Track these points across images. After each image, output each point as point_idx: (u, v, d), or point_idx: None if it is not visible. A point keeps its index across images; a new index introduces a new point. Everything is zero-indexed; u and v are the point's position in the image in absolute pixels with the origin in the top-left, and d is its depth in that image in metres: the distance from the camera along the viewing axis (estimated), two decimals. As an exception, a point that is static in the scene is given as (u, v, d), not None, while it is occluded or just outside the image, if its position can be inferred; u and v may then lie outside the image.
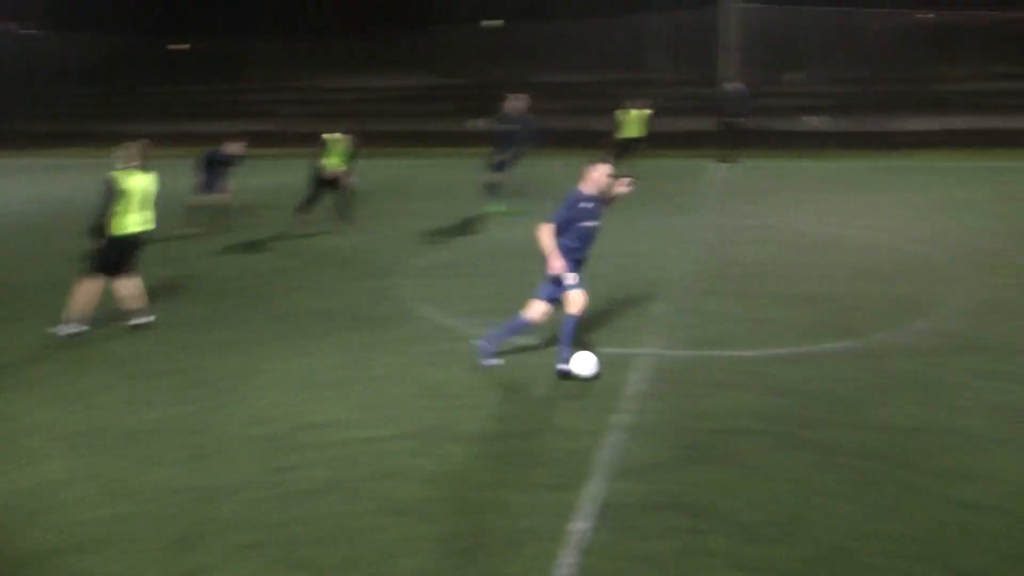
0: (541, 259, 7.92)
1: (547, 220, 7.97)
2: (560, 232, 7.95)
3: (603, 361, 7.95)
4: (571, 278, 7.96)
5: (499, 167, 16.27)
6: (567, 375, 7.91)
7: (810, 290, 10.87)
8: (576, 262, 8.02)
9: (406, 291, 11.10)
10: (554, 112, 26.21)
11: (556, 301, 8.11)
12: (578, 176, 8.10)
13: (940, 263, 12.25)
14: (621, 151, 19.95)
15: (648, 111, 20.72)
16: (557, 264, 7.88)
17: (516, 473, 6.13)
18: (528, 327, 8.25)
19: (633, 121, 20.72)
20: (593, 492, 5.78)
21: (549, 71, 33.23)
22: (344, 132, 15.14)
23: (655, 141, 21.94)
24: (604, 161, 8.22)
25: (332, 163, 14.98)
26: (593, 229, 8.10)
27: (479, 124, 23.18)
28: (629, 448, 6.47)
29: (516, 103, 16.23)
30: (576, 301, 7.95)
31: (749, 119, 24.33)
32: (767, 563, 5.03)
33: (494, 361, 8.30)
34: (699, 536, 5.29)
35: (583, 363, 7.95)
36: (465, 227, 15.40)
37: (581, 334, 8.29)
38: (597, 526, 5.38)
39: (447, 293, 10.99)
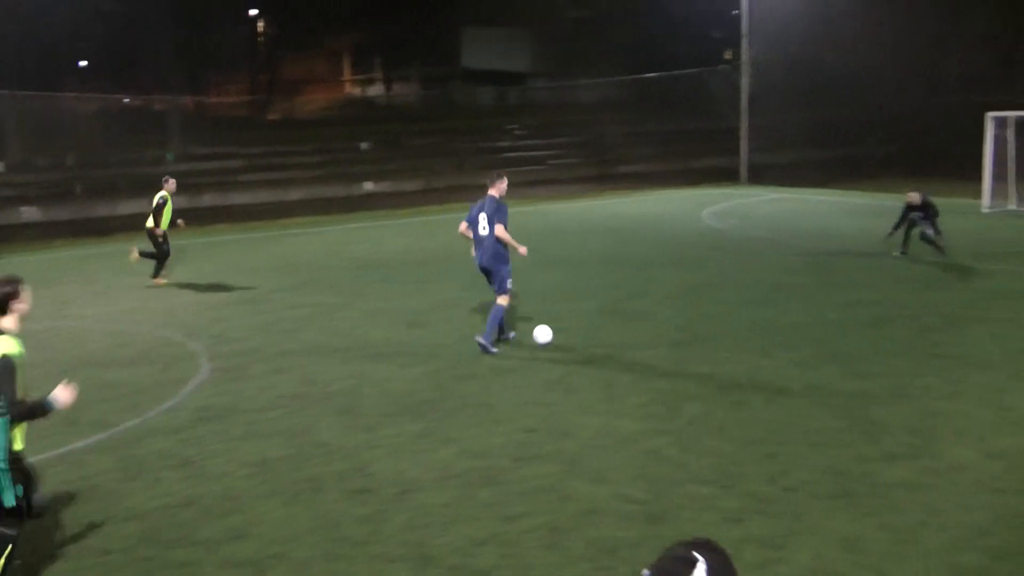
0: None
1: (502, 225, 10.90)
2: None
3: None
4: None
5: None
6: (486, 349, 11.12)
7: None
8: None
9: None
10: None
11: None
12: None
13: (177, 341, 12.81)
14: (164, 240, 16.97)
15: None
16: (523, 249, 11.08)
17: None
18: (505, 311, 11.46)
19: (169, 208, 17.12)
20: None
21: None
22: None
23: None
24: None
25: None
26: None
27: None
28: None
29: None
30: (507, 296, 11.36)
31: None
32: None
33: (495, 350, 11.20)
34: None
35: (543, 333, 11.14)
36: None
37: None
38: None
39: None
